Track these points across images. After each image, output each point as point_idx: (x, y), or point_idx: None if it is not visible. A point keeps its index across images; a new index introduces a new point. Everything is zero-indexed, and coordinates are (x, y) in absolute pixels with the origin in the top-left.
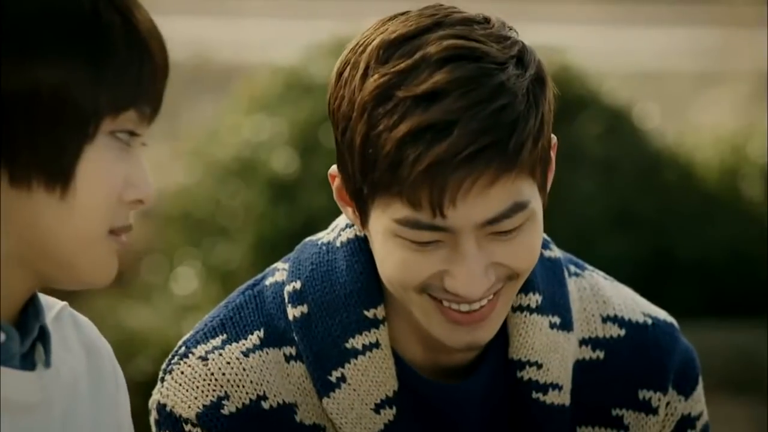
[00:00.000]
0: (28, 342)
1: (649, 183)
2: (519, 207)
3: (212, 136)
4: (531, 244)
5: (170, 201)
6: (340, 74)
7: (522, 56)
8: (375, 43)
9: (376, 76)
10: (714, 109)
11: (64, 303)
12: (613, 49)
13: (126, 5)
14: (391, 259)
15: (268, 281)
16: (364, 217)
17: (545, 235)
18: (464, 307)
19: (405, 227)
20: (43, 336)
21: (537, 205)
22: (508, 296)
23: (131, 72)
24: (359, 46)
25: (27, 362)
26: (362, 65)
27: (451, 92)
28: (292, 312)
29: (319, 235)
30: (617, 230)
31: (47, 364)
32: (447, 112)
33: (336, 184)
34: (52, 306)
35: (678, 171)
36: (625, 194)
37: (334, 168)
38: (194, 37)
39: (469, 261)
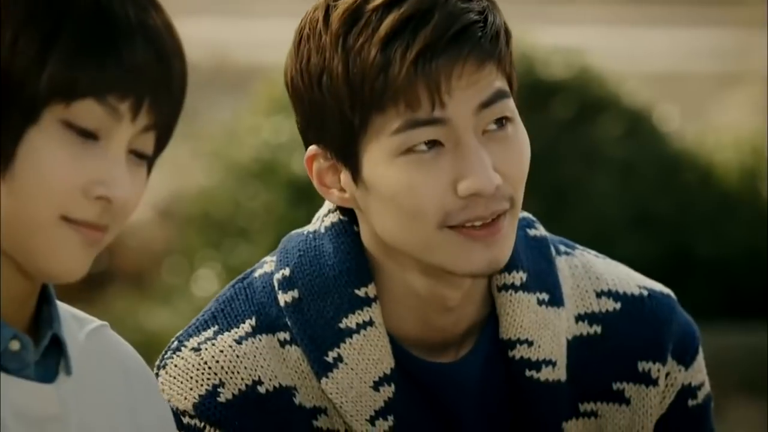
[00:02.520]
0: (40, 350)
1: (668, 184)
2: (503, 94)
3: (231, 137)
4: (521, 149)
5: (190, 202)
6: (299, 40)
7: None
8: None
9: (339, 7)
10: (733, 110)
11: (105, 323)
12: (632, 51)
13: None
14: (401, 191)
15: (257, 273)
16: (355, 173)
17: (530, 215)
18: (484, 212)
19: (403, 133)
20: (58, 344)
21: (516, 110)
22: (512, 219)
23: (92, 55)
24: (310, 10)
25: (41, 370)
26: (321, 12)
27: None
28: (283, 298)
29: (304, 227)
30: (636, 230)
31: (68, 371)
32: (421, 2)
33: (315, 168)
34: (88, 322)
35: (697, 172)
36: (644, 195)
37: (309, 151)
38: (212, 38)
39: (475, 153)
